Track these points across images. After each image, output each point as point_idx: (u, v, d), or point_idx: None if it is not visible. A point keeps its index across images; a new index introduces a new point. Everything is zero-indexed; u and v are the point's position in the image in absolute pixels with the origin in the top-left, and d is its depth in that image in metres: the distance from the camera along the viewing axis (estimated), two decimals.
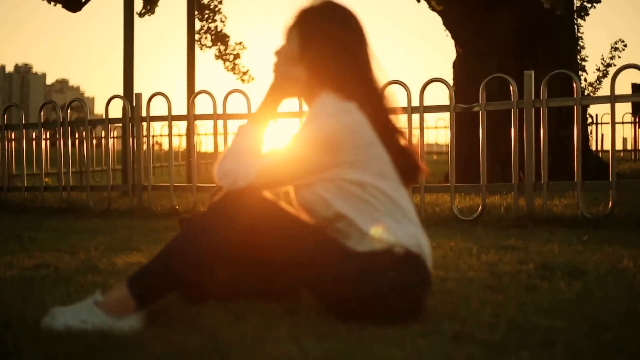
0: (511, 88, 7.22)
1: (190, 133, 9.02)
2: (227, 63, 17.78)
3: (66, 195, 9.51)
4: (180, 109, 8.49)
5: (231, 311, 3.17)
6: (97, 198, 9.44)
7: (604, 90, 22.11)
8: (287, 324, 2.95)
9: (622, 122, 20.83)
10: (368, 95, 3.17)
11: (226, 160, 3.17)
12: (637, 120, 20.63)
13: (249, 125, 3.28)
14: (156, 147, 18.56)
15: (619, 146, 20.72)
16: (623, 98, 7.01)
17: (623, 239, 5.50)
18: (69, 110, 9.75)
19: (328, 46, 3.19)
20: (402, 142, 3.22)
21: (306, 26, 3.25)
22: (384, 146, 3.13)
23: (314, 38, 3.21)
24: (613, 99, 6.79)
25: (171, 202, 8.62)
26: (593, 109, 20.90)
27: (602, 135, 20.91)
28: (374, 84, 3.22)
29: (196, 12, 16.01)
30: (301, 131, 3.11)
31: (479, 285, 3.73)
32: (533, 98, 7.17)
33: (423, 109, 7.49)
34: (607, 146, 18.21)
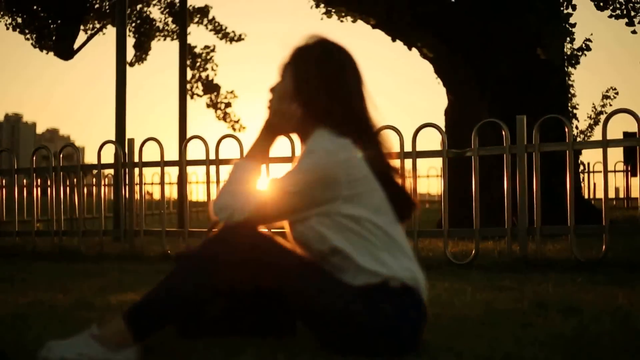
0: (503, 133, 7.25)
1: (182, 178, 9.04)
2: (219, 112, 17.84)
3: (58, 240, 9.48)
4: (172, 155, 8.49)
5: (226, 346, 3.17)
6: (88, 243, 9.39)
7: (596, 137, 22.22)
8: (283, 359, 2.94)
9: (615, 171, 20.86)
10: (363, 132, 3.19)
11: (222, 195, 3.18)
12: (628, 168, 20.69)
13: (244, 161, 3.30)
14: (147, 197, 18.51)
15: (611, 194, 20.73)
16: (615, 143, 7.02)
17: (617, 281, 5.49)
18: (61, 156, 9.74)
19: (323, 83, 3.21)
20: (396, 178, 3.24)
21: (301, 63, 3.28)
22: (378, 182, 3.15)
23: (309, 75, 3.24)
24: (605, 143, 6.83)
25: (163, 247, 8.60)
26: (585, 157, 20.94)
27: (595, 184, 20.97)
28: (368, 121, 3.24)
29: (188, 61, 16.13)
30: (298, 166, 3.12)
31: (475, 322, 3.74)
32: (525, 143, 7.20)
33: (416, 154, 7.51)
34: (600, 194, 18.26)
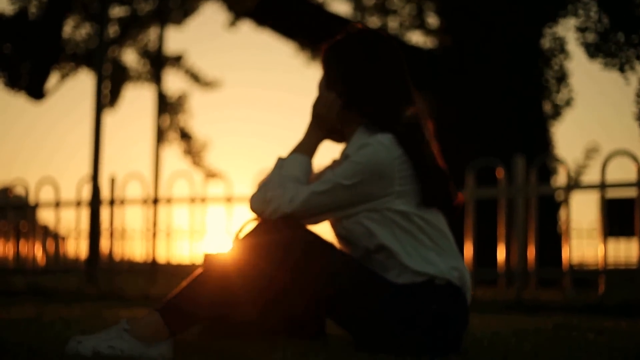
0: (497, 174, 7.22)
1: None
2: (194, 158, 17.58)
3: (34, 278, 9.26)
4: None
5: (259, 343, 3.05)
6: (65, 282, 9.15)
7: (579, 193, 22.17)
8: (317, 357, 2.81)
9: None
10: (407, 123, 3.08)
11: (267, 188, 3.04)
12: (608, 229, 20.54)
13: (291, 154, 3.18)
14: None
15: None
16: (613, 187, 6.89)
17: (625, 320, 5.36)
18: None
19: (361, 71, 3.11)
20: (442, 168, 3.11)
21: (337, 53, 3.20)
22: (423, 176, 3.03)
23: (347, 62, 3.15)
24: (602, 186, 6.78)
25: (143, 288, 8.40)
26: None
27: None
28: (412, 110, 3.13)
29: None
30: (352, 159, 2.99)
31: (506, 335, 3.62)
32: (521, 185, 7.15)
33: None
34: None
